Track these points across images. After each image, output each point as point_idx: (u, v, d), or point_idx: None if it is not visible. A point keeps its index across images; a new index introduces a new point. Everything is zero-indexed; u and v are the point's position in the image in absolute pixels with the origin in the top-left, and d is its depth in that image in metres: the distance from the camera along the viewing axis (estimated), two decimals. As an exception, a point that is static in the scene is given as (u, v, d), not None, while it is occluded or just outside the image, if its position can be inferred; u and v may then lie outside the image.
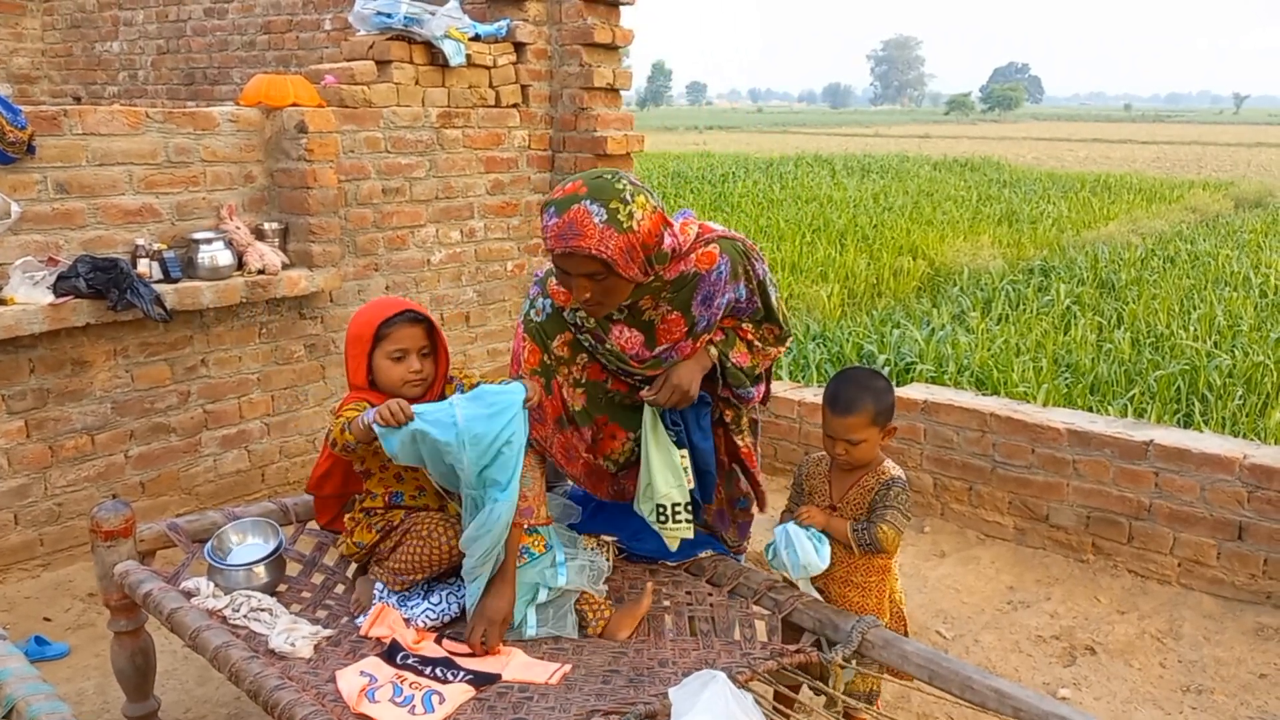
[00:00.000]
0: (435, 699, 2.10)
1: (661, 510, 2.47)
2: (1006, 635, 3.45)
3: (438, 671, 2.22)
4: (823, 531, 2.50)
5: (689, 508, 2.49)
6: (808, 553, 2.45)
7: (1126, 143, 44.59)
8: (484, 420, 2.26)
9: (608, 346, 2.45)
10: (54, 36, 7.76)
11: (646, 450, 2.48)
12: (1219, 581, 3.63)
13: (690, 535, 2.52)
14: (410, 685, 2.15)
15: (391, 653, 2.28)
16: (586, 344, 2.49)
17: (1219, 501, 3.58)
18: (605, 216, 2.15)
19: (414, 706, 2.07)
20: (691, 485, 2.49)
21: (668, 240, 2.30)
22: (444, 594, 2.53)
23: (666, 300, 2.41)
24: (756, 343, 2.56)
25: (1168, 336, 6.88)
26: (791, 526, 2.50)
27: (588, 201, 2.16)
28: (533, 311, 2.51)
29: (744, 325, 2.54)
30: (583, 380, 2.54)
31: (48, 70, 7.85)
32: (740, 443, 2.66)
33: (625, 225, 2.17)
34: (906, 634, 2.63)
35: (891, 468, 2.56)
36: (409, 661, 2.25)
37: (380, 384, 2.50)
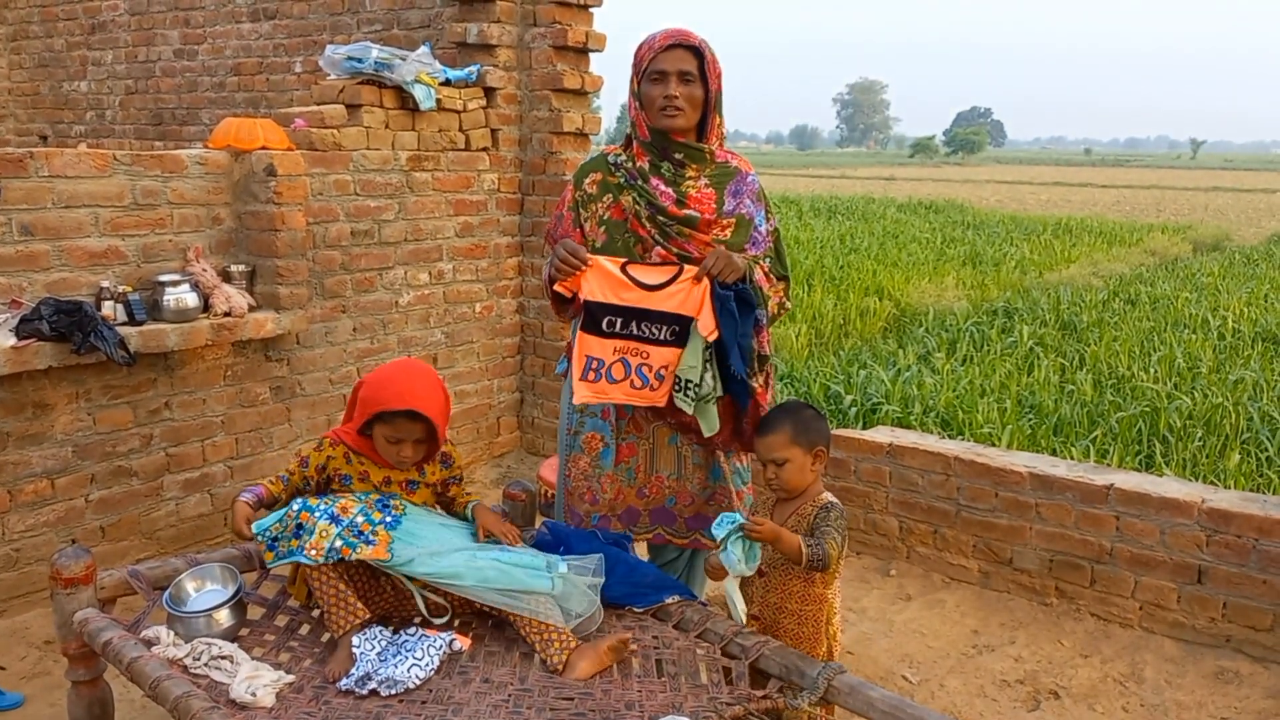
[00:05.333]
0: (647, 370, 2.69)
1: (677, 381, 2.68)
2: (971, 680, 3.46)
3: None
4: (774, 543, 2.48)
5: (696, 387, 2.66)
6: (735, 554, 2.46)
7: (1087, 186, 45.27)
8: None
9: (640, 184, 2.75)
10: (21, 75, 7.73)
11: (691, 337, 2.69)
12: (1180, 625, 3.67)
13: (689, 410, 2.68)
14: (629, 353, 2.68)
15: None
16: (622, 180, 2.78)
17: (1178, 545, 3.63)
18: (704, 40, 2.72)
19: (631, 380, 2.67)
20: (709, 374, 2.67)
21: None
22: (424, 647, 2.50)
23: (708, 176, 2.79)
24: (770, 275, 2.84)
25: (1129, 378, 6.95)
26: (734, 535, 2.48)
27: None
28: (584, 161, 2.92)
29: (760, 260, 2.82)
30: (605, 218, 2.81)
31: (14, 109, 7.82)
32: (754, 384, 2.76)
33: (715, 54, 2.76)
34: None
35: (828, 496, 2.61)
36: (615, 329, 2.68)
37: (376, 447, 2.72)
